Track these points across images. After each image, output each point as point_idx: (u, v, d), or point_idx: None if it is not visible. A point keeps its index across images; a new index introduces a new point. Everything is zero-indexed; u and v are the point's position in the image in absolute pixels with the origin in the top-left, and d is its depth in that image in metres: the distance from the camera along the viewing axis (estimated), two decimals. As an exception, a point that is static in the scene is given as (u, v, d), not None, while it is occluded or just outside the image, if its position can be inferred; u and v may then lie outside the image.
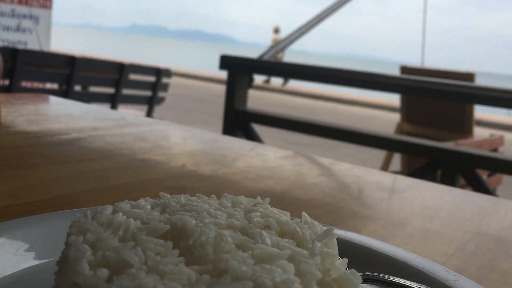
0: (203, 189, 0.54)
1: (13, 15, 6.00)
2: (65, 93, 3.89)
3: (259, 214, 0.26)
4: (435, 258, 0.41)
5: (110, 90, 4.19)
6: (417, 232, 0.47)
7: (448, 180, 1.45)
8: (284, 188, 0.58)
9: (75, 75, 3.77)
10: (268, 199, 0.28)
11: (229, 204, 0.27)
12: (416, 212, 0.53)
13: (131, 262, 0.19)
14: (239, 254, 0.20)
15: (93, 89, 4.56)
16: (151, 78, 4.46)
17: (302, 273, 0.21)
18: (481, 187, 1.45)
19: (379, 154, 4.10)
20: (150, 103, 4.55)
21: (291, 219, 0.27)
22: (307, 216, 0.27)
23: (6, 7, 5.85)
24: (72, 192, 0.48)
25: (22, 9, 6.12)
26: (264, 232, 0.23)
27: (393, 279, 0.29)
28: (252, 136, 1.86)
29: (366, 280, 0.29)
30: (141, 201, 0.25)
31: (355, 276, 0.22)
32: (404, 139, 1.61)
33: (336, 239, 0.34)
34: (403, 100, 3.48)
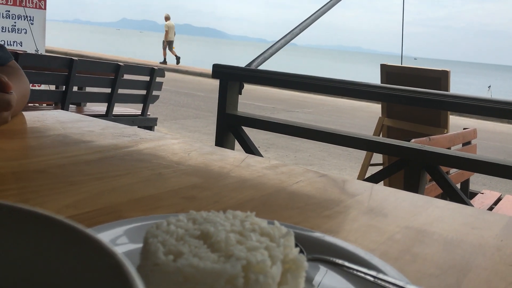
0: (209, 197, 0.72)
1: (8, 16, 6.09)
2: (64, 94, 4.03)
3: (249, 222, 0.44)
4: (369, 245, 0.60)
5: (106, 90, 4.34)
6: (361, 227, 0.66)
7: (416, 175, 1.65)
8: (268, 194, 0.76)
9: (73, 77, 3.92)
10: (254, 212, 0.47)
11: (230, 217, 0.45)
12: (365, 212, 0.72)
13: (184, 252, 0.37)
14: (238, 246, 0.39)
15: (90, 89, 4.71)
16: (145, 78, 4.62)
17: (272, 255, 0.39)
18: (443, 182, 1.66)
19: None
20: (145, 102, 4.71)
21: (268, 223, 0.45)
22: (277, 223, 0.45)
23: (1, 8, 5.95)
24: (113, 203, 0.66)
25: (17, 10, 6.22)
26: (252, 234, 0.42)
27: (331, 258, 0.48)
28: (243, 138, 2.04)
29: (314, 260, 0.48)
30: (181, 216, 0.44)
31: (302, 257, 0.41)
32: (376, 139, 1.81)
33: (300, 234, 0.53)
34: (384, 96, 3.67)
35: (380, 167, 3.72)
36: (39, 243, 0.23)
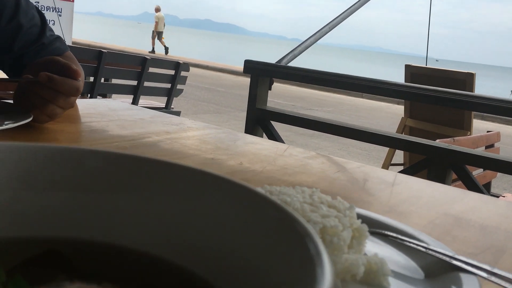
0: (259, 181, 0.79)
1: (37, 7, 6.26)
2: (92, 85, 4.14)
3: (316, 196, 0.51)
4: (413, 227, 0.66)
5: (132, 82, 4.45)
6: (403, 212, 0.72)
7: (442, 174, 1.69)
8: (313, 181, 0.83)
9: (102, 68, 4.03)
10: (319, 188, 0.53)
11: (300, 191, 0.52)
12: (404, 200, 0.78)
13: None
14: (313, 214, 0.45)
15: (115, 81, 4.82)
16: (171, 71, 4.71)
17: (342, 223, 0.46)
18: (469, 181, 1.70)
19: (381, 146, 4.32)
20: (169, 95, 4.81)
21: (332, 199, 0.52)
22: (341, 199, 0.52)
23: None
24: (178, 182, 0.73)
25: (46, 1, 6.38)
26: (321, 205, 0.48)
27: (386, 232, 0.54)
28: (271, 132, 2.11)
29: (371, 233, 0.54)
30: (258, 189, 0.50)
31: (364, 226, 0.48)
32: (402, 137, 1.86)
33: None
34: (407, 97, 3.70)
35: (401, 167, 3.76)
36: (212, 201, 0.29)
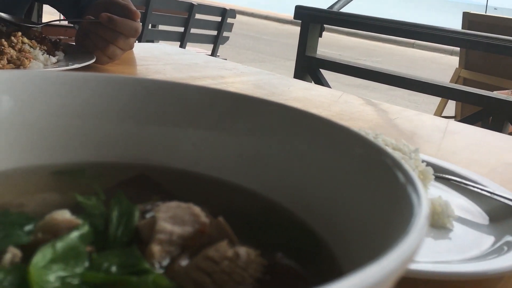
0: (316, 125, 0.79)
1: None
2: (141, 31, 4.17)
3: (381, 139, 0.51)
4: (474, 174, 0.65)
5: (179, 29, 4.44)
6: (463, 160, 0.71)
7: (498, 126, 1.63)
8: (370, 127, 0.82)
9: (150, 14, 4.03)
10: (382, 132, 0.53)
11: (363, 133, 0.52)
12: (464, 147, 0.76)
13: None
14: (380, 154, 0.46)
15: (162, 27, 4.84)
16: (217, 18, 4.66)
17: (407, 164, 0.46)
18: (527, 134, 1.64)
19: (429, 97, 4.18)
20: (215, 42, 4.78)
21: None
22: (404, 141, 0.52)
23: None
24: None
25: None
26: (387, 147, 0.48)
27: (450, 176, 0.54)
28: (320, 80, 2.08)
29: (434, 177, 0.54)
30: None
31: (429, 169, 0.47)
32: (459, 88, 1.79)
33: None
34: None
35: (452, 120, 3.64)
36: (302, 137, 0.29)
